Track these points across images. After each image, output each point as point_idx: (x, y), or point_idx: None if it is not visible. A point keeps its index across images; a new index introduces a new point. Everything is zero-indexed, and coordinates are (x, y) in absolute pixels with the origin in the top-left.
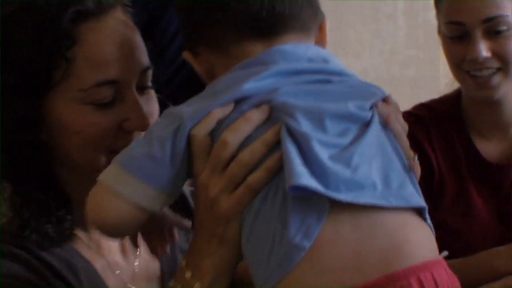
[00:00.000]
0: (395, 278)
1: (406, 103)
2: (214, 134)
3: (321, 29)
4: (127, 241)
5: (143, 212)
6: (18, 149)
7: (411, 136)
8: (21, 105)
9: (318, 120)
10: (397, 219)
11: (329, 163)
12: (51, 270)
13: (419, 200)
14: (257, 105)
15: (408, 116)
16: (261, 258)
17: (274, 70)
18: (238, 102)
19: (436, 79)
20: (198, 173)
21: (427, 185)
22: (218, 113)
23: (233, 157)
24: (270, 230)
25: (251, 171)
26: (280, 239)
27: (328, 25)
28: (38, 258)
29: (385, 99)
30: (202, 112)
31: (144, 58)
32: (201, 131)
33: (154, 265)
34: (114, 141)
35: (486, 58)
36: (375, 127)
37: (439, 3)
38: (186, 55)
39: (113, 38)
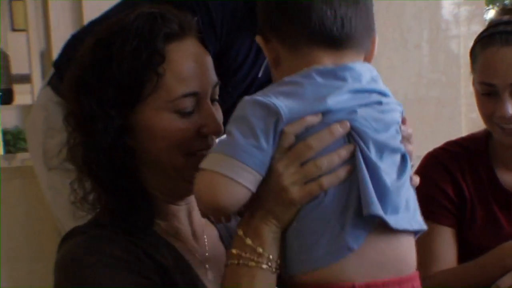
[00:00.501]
0: (403, 281)
1: (432, 120)
2: (298, 134)
3: (372, 43)
4: (196, 227)
5: (250, 194)
6: (109, 152)
7: (446, 169)
8: (116, 114)
9: (380, 151)
10: (409, 239)
11: (390, 192)
12: (141, 250)
13: (424, 224)
14: (339, 121)
15: (444, 152)
16: (308, 243)
17: (349, 88)
18: (323, 113)
19: (458, 100)
20: (275, 162)
21: (461, 211)
22: (310, 120)
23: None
24: (329, 226)
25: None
26: (336, 236)
27: None
28: (131, 241)
29: (403, 120)
30: (297, 115)
31: (214, 75)
32: (293, 130)
33: (219, 245)
34: (193, 144)
35: None
36: (407, 157)
37: (474, 64)
38: (258, 39)
39: (193, 57)
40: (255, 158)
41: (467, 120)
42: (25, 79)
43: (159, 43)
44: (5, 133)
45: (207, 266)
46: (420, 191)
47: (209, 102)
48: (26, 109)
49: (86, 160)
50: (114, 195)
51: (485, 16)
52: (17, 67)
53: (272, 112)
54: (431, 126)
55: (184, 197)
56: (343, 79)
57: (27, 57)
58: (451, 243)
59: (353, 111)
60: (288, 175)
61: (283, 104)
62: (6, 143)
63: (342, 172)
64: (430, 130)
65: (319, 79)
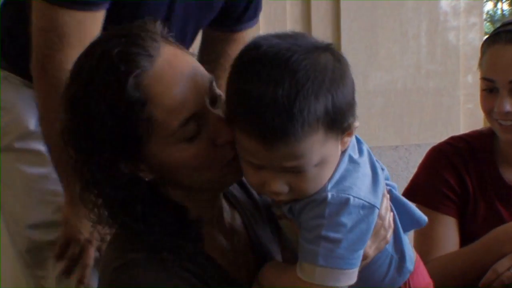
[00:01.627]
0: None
1: (431, 110)
2: None
3: None
4: (225, 222)
5: None
6: (136, 202)
7: (450, 162)
8: (121, 168)
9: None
10: None
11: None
12: (193, 275)
13: None
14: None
15: (448, 146)
16: (377, 277)
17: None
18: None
19: (456, 90)
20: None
21: (463, 203)
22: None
23: None
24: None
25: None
26: (397, 268)
27: (364, 43)
28: (182, 267)
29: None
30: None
31: (205, 74)
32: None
33: (244, 233)
34: (218, 158)
35: (509, 112)
36: None
37: (481, 60)
38: None
39: (174, 77)
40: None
41: (464, 110)
42: None
43: (132, 91)
44: None
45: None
46: (424, 182)
47: (212, 111)
48: None
49: (113, 212)
50: (153, 228)
51: (484, 8)
52: None
53: (371, 210)
54: (430, 115)
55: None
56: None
57: None
58: (452, 232)
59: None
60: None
61: (372, 197)
62: None
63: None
64: (429, 120)
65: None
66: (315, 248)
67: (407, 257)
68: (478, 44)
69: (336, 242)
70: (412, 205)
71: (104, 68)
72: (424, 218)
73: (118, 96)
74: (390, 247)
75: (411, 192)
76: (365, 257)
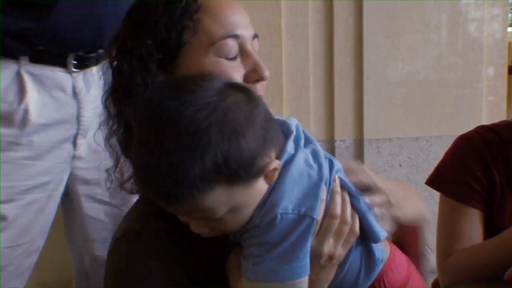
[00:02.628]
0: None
1: (452, 101)
2: None
3: None
4: None
5: None
6: None
7: (478, 153)
8: (157, 69)
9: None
10: None
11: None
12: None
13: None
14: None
15: (477, 135)
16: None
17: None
18: None
19: (479, 82)
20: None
21: (490, 196)
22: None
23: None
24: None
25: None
26: (367, 260)
27: (386, 33)
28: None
29: None
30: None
31: (252, 28)
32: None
33: None
34: None
35: None
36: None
37: None
38: None
39: (230, 4)
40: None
41: (486, 102)
42: None
43: None
44: None
45: None
46: (450, 171)
47: (251, 48)
48: None
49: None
50: None
51: None
52: None
53: (311, 222)
54: (451, 107)
55: None
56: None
57: None
58: (477, 225)
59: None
60: (329, 246)
61: (313, 209)
62: None
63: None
64: (450, 111)
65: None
66: (245, 263)
67: (375, 249)
68: (501, 36)
69: (260, 257)
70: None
71: None
72: (383, 234)
73: None
74: (356, 250)
75: (436, 180)
76: (337, 257)
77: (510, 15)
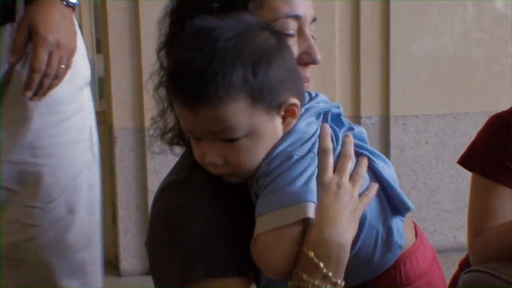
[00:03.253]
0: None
1: (481, 78)
2: None
3: None
4: None
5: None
6: None
7: (511, 133)
8: None
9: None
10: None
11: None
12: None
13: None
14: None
15: (511, 115)
16: (363, 254)
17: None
18: None
19: (507, 58)
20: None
21: None
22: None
23: None
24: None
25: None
26: (385, 242)
27: (412, 9)
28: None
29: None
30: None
31: (312, 9)
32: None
33: None
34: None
35: None
36: None
37: None
38: None
39: None
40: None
41: None
42: None
43: None
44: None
45: None
46: (482, 150)
47: (309, 31)
48: None
49: None
50: None
51: None
52: None
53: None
54: (479, 84)
55: None
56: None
57: (78, 8)
58: (510, 204)
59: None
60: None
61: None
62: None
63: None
64: (478, 88)
65: None
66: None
67: (394, 231)
68: None
69: (268, 187)
70: (398, 189)
71: None
72: (411, 205)
73: None
74: (374, 220)
75: (468, 159)
76: (346, 186)
77: None
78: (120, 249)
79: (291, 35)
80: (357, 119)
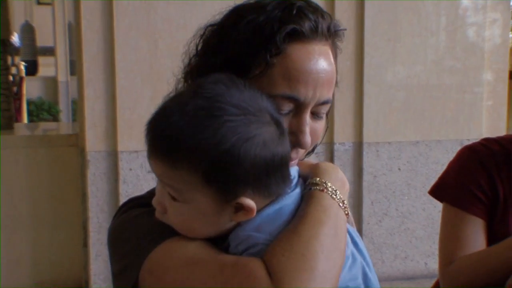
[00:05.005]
0: None
1: (452, 105)
2: None
3: None
4: None
5: None
6: None
7: (482, 163)
8: None
9: None
10: None
11: None
12: None
13: None
14: None
15: (482, 147)
16: None
17: None
18: None
19: (478, 87)
20: None
21: (493, 206)
22: None
23: None
24: None
25: None
26: None
27: (388, 36)
28: None
29: None
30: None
31: (327, 92)
32: None
33: None
34: None
35: None
36: None
37: None
38: None
39: (312, 64)
40: None
41: (486, 107)
42: (49, 51)
43: (281, 37)
44: (29, 103)
45: None
46: (454, 180)
47: (307, 115)
48: (49, 81)
49: None
50: None
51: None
52: (42, 40)
53: None
54: (451, 112)
55: None
56: None
57: (52, 30)
58: (480, 234)
59: None
60: None
61: None
62: (29, 113)
63: None
64: (450, 116)
65: None
66: None
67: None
68: (501, 40)
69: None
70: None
71: (282, 4)
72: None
73: (271, 28)
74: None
75: (439, 190)
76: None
77: (511, 20)
78: (91, 273)
79: (284, 114)
80: (330, 145)
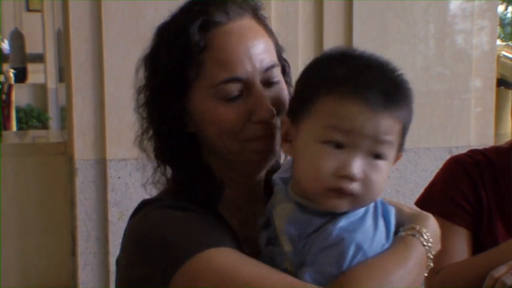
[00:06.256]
0: None
1: (441, 113)
2: None
3: None
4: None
5: None
6: (173, 139)
7: (467, 174)
8: (167, 103)
9: None
10: None
11: None
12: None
13: None
14: None
15: (467, 158)
16: None
17: None
18: None
19: (467, 93)
20: None
21: (478, 217)
22: None
23: None
24: None
25: None
26: None
27: (376, 44)
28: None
29: None
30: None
31: (268, 57)
32: None
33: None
34: (245, 131)
35: None
36: None
37: None
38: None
39: (237, 42)
40: None
41: (475, 114)
42: (39, 58)
43: (195, 32)
44: (18, 110)
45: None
46: (440, 191)
47: (259, 87)
48: (38, 88)
49: (156, 146)
50: (182, 178)
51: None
52: (31, 47)
53: None
54: (440, 119)
55: (243, 179)
56: None
57: (41, 37)
58: (465, 244)
59: None
60: None
61: None
62: (18, 120)
63: None
64: (438, 123)
65: None
66: (303, 276)
67: None
68: (489, 48)
69: (320, 273)
70: None
71: (183, 8)
72: None
73: (181, 33)
74: None
75: (426, 200)
76: None
77: (498, 27)
78: (79, 282)
79: (233, 98)
80: None
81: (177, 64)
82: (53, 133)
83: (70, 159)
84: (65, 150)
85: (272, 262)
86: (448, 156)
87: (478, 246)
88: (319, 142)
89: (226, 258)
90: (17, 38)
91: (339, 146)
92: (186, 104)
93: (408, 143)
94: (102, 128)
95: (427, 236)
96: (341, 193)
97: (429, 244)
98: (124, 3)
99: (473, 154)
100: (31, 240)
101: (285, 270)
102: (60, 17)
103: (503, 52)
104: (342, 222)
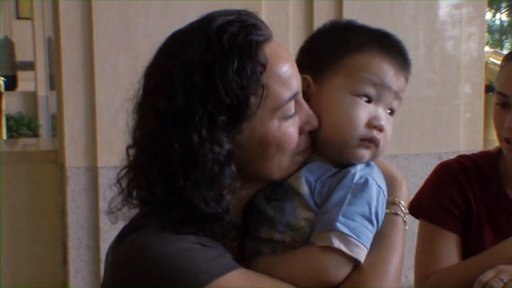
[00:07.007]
0: None
1: (431, 119)
2: None
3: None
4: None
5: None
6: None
7: (456, 179)
8: (227, 138)
9: None
10: None
11: None
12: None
13: None
14: None
15: (456, 163)
16: None
17: None
18: None
19: (456, 99)
20: None
21: (467, 222)
22: None
23: None
24: None
25: None
26: None
27: None
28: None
29: None
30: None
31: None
32: None
33: None
34: (298, 143)
35: None
36: None
37: (499, 74)
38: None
39: (287, 56)
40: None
41: (464, 120)
42: (29, 66)
43: (259, 52)
44: (8, 118)
45: None
46: (429, 197)
47: (302, 98)
48: (29, 96)
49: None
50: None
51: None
52: (22, 55)
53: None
54: (430, 125)
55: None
56: None
57: (32, 45)
58: (454, 249)
59: None
60: None
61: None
62: (9, 128)
63: None
64: (428, 129)
65: None
66: (334, 216)
67: None
68: (477, 54)
69: (353, 214)
70: None
71: (228, 29)
72: None
73: (247, 56)
74: None
75: (415, 207)
76: None
77: (486, 34)
78: None
79: (292, 115)
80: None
81: (245, 91)
82: (44, 141)
83: (61, 167)
84: (56, 158)
85: (272, 221)
86: (437, 162)
87: (466, 251)
88: (352, 94)
89: (246, 280)
90: (7, 46)
91: (369, 98)
92: (236, 136)
93: (399, 149)
94: (93, 136)
95: (404, 207)
96: (371, 142)
97: (406, 212)
98: (116, 12)
99: (462, 160)
100: (22, 248)
101: (291, 227)
102: (50, 24)
103: (492, 59)
104: (360, 167)
